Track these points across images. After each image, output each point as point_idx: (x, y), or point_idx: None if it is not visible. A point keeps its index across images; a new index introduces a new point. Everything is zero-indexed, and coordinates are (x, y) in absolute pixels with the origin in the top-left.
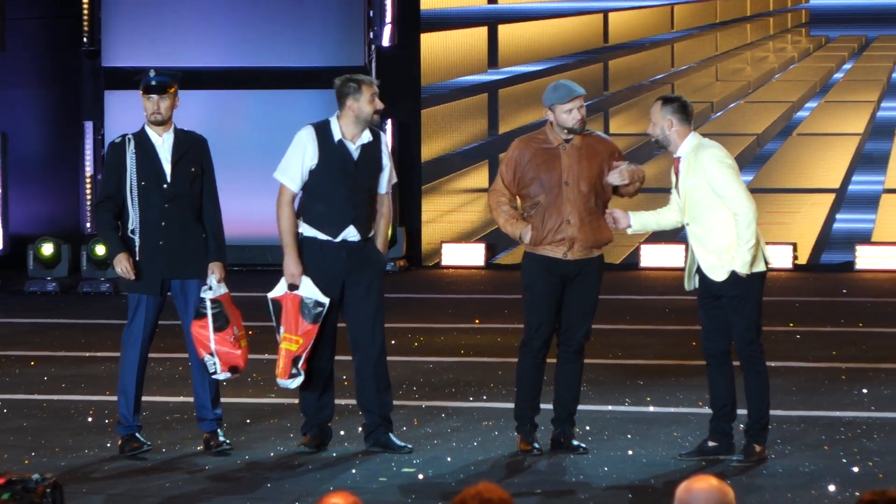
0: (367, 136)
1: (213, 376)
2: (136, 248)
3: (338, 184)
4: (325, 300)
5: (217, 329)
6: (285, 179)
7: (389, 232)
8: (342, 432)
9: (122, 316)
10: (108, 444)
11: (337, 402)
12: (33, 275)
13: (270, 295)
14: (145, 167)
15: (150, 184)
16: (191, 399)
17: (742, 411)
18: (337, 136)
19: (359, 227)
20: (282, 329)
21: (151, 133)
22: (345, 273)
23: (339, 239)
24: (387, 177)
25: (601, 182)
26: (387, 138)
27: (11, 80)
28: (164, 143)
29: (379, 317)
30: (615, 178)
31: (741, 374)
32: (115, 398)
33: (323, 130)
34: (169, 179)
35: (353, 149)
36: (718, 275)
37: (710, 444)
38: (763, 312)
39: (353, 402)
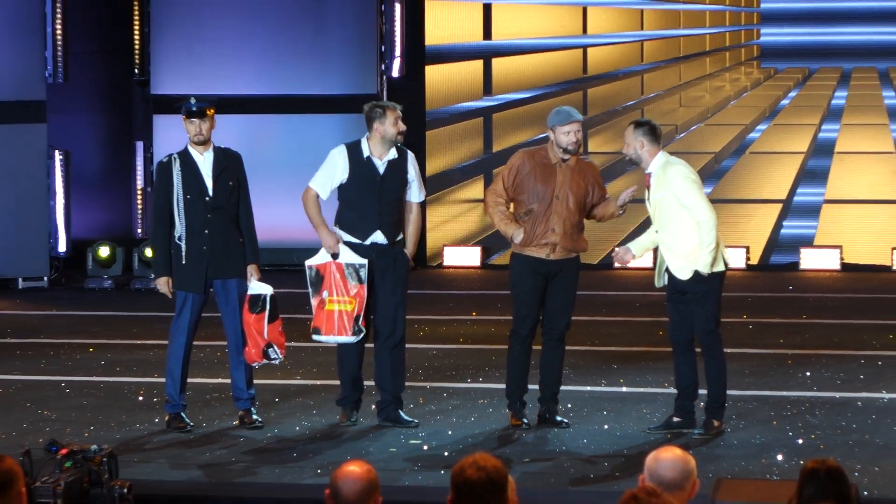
0: (393, 154)
1: (273, 361)
2: (183, 253)
3: (366, 195)
4: (364, 260)
5: (270, 321)
6: (315, 185)
7: (417, 234)
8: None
9: (168, 309)
10: (157, 420)
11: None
12: (92, 273)
13: (309, 262)
14: (189, 183)
15: (194, 197)
16: (228, 381)
17: (703, 391)
18: (366, 153)
19: (385, 232)
20: (325, 293)
21: (194, 152)
22: (373, 271)
23: (368, 242)
24: (415, 188)
25: (586, 200)
26: (412, 158)
27: (73, 107)
28: (205, 161)
29: (401, 310)
30: (623, 199)
31: (702, 359)
32: (163, 380)
33: (354, 149)
34: (211, 193)
35: (380, 165)
36: (684, 274)
37: (675, 419)
38: (721, 306)
39: (367, 383)
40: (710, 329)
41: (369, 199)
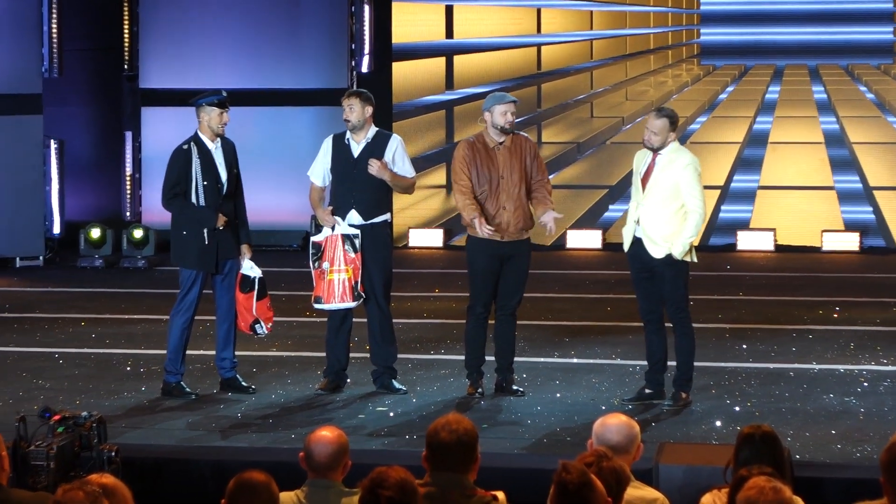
0: (370, 137)
1: (259, 335)
2: (205, 234)
3: (343, 176)
4: (357, 231)
5: (259, 298)
6: (311, 176)
7: (401, 184)
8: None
9: (154, 286)
10: (143, 389)
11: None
12: (84, 253)
13: (314, 238)
14: (206, 170)
15: (210, 183)
16: (208, 353)
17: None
18: (347, 137)
19: (360, 210)
20: (326, 264)
21: (206, 141)
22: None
23: (346, 221)
24: (399, 168)
25: (527, 173)
26: (395, 140)
27: (68, 99)
28: (217, 150)
29: (387, 288)
30: (549, 224)
31: (672, 335)
32: (149, 352)
33: (339, 136)
34: (224, 180)
35: (356, 147)
36: (657, 252)
37: (647, 390)
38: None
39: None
40: (681, 308)
41: (346, 180)
